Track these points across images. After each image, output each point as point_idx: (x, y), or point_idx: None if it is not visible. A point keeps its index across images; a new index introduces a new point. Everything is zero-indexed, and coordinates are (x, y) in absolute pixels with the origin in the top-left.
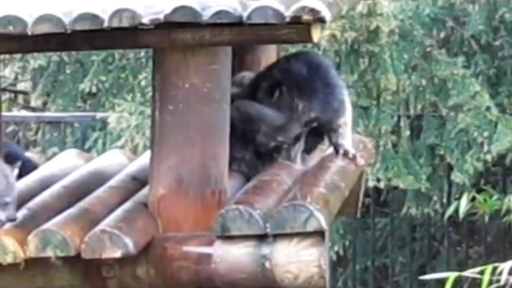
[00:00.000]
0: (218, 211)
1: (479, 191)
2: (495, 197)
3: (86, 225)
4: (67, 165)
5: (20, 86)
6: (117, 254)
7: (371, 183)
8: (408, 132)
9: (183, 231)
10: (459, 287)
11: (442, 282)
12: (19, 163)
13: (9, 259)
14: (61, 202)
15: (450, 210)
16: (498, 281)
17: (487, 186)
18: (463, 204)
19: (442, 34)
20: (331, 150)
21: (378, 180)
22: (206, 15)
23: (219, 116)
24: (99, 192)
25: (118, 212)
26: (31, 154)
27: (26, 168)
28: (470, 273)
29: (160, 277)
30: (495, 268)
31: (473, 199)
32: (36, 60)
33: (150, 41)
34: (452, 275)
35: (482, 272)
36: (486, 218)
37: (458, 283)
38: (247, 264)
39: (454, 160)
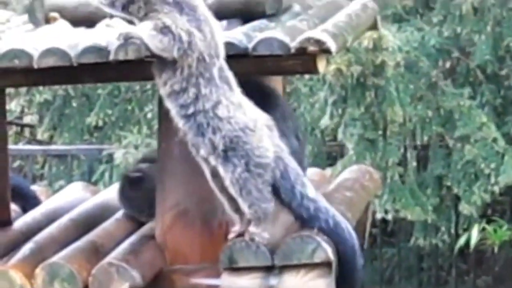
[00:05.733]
0: (225, 243)
1: (489, 221)
2: (505, 227)
3: (93, 258)
4: (73, 198)
5: (27, 119)
6: (125, 287)
7: (379, 215)
8: (414, 163)
9: (191, 263)
10: None
11: None
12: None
13: None
14: (68, 235)
15: (461, 242)
16: None
17: (495, 216)
18: (474, 236)
19: (448, 65)
20: (337, 181)
21: (386, 211)
22: None
23: None
24: (106, 224)
25: (125, 244)
26: (37, 188)
27: (31, 203)
28: None
29: None
30: None
31: (483, 229)
32: (42, 94)
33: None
34: None
35: None
36: (496, 248)
37: None
38: None
39: (461, 191)
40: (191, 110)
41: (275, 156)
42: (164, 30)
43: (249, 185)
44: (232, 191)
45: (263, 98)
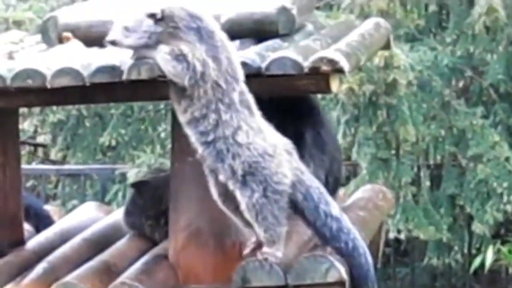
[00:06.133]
0: (239, 263)
1: (503, 242)
2: None
3: (106, 277)
4: (87, 217)
5: (40, 139)
6: None
7: (391, 234)
8: (428, 183)
9: (203, 283)
10: None
11: None
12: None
13: None
14: (81, 254)
15: (476, 263)
16: None
17: (508, 235)
18: (489, 257)
19: (461, 84)
20: (350, 200)
21: (399, 231)
22: None
23: None
24: (119, 244)
25: (138, 264)
26: (50, 207)
27: (44, 222)
28: None
29: None
30: None
31: (498, 250)
32: (55, 114)
33: (169, 92)
34: None
35: None
36: (510, 269)
37: None
38: None
39: (474, 211)
40: (211, 137)
41: (295, 179)
42: (180, 57)
43: (265, 211)
44: (248, 215)
45: (307, 111)
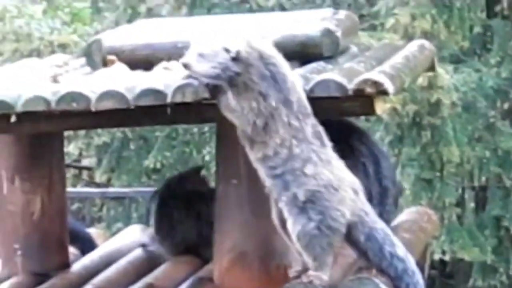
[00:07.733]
0: (283, 285)
1: None
2: None
3: None
4: (132, 240)
5: (85, 162)
6: None
7: (436, 256)
8: (472, 204)
9: None
10: None
11: None
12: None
13: None
14: (127, 277)
15: None
16: None
17: None
18: None
19: (506, 106)
20: (395, 222)
21: (444, 252)
22: None
23: None
24: (164, 266)
25: (183, 286)
26: (94, 230)
27: (87, 246)
28: None
29: None
30: None
31: None
32: (101, 137)
33: (213, 115)
34: None
35: None
36: None
37: None
38: None
39: None
40: (280, 170)
41: (357, 220)
42: (245, 111)
43: (315, 242)
44: (297, 244)
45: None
